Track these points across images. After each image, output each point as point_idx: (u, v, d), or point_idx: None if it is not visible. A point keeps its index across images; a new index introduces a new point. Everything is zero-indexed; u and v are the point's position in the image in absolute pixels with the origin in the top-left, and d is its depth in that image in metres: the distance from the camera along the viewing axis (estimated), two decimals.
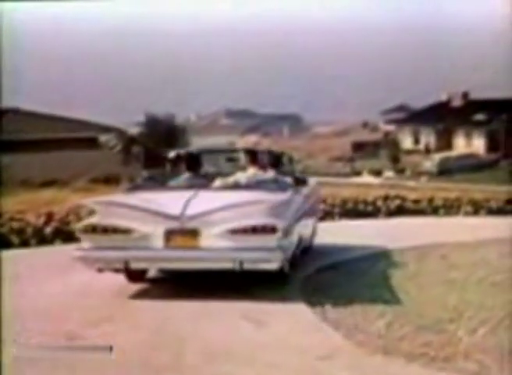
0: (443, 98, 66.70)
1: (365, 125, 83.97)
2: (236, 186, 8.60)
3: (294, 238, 8.31)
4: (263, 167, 9.17)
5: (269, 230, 7.55)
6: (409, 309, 7.21)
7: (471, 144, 58.86)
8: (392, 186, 23.65)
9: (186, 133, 39.93)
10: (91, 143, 34.85)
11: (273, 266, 7.66)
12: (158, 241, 7.67)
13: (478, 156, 54.57)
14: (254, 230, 7.56)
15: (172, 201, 7.96)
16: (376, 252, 10.46)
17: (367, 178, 33.32)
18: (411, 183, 27.61)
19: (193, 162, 9.56)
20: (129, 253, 7.69)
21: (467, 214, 15.52)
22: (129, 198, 8.29)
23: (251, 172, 9.05)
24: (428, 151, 60.33)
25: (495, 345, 6.11)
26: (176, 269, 8.19)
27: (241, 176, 8.92)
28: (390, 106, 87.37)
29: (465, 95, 65.30)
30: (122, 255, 7.70)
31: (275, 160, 9.63)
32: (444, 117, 61.21)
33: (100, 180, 25.81)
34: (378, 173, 49.17)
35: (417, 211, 15.53)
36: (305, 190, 9.70)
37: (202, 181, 8.85)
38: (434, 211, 15.65)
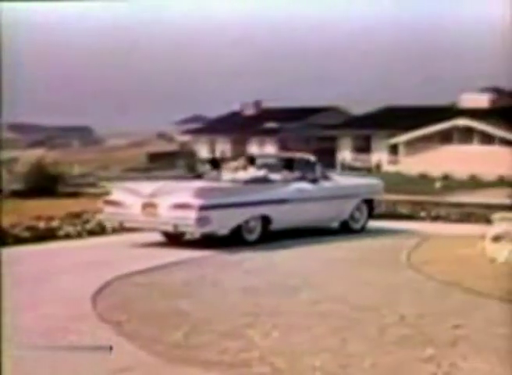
0: (236, 107, 68.49)
1: (161, 136, 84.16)
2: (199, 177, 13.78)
3: (229, 213, 11.88)
4: (259, 168, 13.28)
5: (188, 206, 11.56)
6: (208, 317, 7.26)
7: (264, 151, 60.87)
8: None
9: None
10: None
11: (195, 231, 12.08)
12: (138, 210, 12.09)
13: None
14: (181, 205, 11.63)
15: (149, 186, 12.54)
16: (175, 262, 10.48)
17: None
18: None
19: (215, 163, 14.13)
20: (122, 216, 12.31)
21: None
22: (129, 184, 13.31)
23: (250, 171, 13.12)
24: (223, 159, 61.52)
25: (287, 348, 6.30)
26: (145, 227, 12.34)
27: (242, 174, 13.04)
28: (186, 117, 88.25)
29: (257, 104, 67.44)
30: (119, 217, 12.38)
31: (288, 163, 13.64)
32: (238, 126, 62.85)
33: None
34: None
35: None
36: (327, 183, 13.69)
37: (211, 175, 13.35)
38: None
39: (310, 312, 7.51)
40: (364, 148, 52.79)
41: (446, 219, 17.15)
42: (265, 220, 12.49)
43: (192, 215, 11.51)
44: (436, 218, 17.09)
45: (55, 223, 13.71)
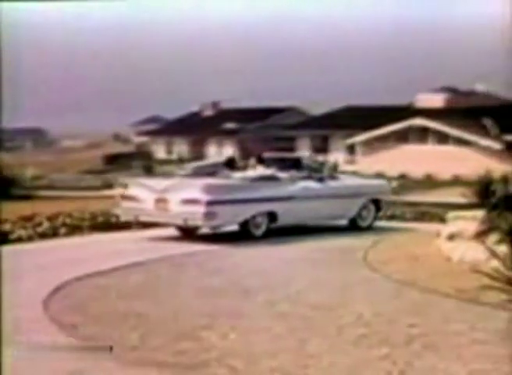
0: (195, 108, 68.29)
1: (117, 137, 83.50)
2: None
3: (236, 209, 12.77)
4: (268, 166, 14.28)
5: (196, 201, 12.47)
6: (166, 319, 7.23)
7: (222, 152, 60.87)
8: None
9: None
10: None
11: (203, 225, 12.86)
12: (151, 205, 12.97)
13: None
14: (190, 200, 12.55)
15: (162, 182, 13.54)
16: (130, 264, 10.41)
17: (120, 190, 33.10)
18: None
19: (231, 162, 14.83)
20: (137, 211, 13.19)
21: None
22: (144, 180, 14.76)
23: (259, 170, 14.19)
24: (181, 160, 61.39)
25: (245, 349, 6.31)
26: (158, 221, 13.25)
27: (250, 172, 14.05)
28: (142, 118, 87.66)
29: (216, 105, 67.35)
30: (134, 211, 13.24)
31: (296, 163, 14.51)
32: (196, 127, 62.69)
33: None
34: None
35: None
36: (333, 183, 14.44)
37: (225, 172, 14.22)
38: None
39: (268, 313, 7.53)
40: (322, 148, 53.07)
41: (401, 218, 17.37)
42: (272, 216, 13.28)
43: (200, 209, 12.43)
44: (392, 217, 17.27)
45: (7, 227, 13.53)
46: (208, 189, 12.66)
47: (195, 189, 12.67)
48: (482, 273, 8.24)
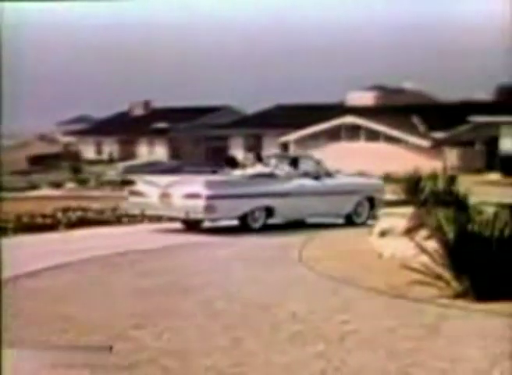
0: (125, 107, 67.65)
1: (42, 137, 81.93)
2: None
3: (235, 203, 13.81)
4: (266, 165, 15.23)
5: (197, 195, 13.56)
6: (97, 320, 7.18)
7: (153, 151, 60.48)
8: (75, 197, 23.41)
9: None
10: None
11: (204, 218, 13.95)
12: (156, 199, 14.09)
13: (162, 163, 56.16)
14: (192, 195, 13.64)
15: (166, 178, 14.61)
16: (59, 265, 10.30)
17: (46, 191, 32.55)
18: (96, 193, 27.58)
19: (231, 160, 16.13)
20: (143, 205, 14.35)
21: (151, 221, 15.89)
22: (149, 177, 15.12)
23: (258, 167, 15.07)
24: (111, 160, 60.71)
25: (180, 349, 6.32)
26: (162, 215, 14.56)
27: (250, 170, 14.95)
28: (70, 117, 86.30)
29: (147, 104, 66.86)
30: (141, 206, 14.40)
31: (293, 161, 15.38)
32: (127, 127, 62.12)
33: None
34: (58, 185, 48.35)
35: (101, 221, 15.58)
36: (329, 180, 15.32)
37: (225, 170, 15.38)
38: (118, 220, 15.83)
39: (202, 312, 7.55)
40: (255, 146, 53.29)
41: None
42: (269, 211, 14.29)
43: (201, 203, 13.54)
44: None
45: None
46: (209, 184, 13.79)
47: (197, 184, 13.83)
48: (412, 268, 8.44)
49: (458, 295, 7.91)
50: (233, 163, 15.73)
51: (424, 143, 42.03)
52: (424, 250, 8.75)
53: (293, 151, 47.85)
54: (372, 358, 6.00)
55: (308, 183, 14.96)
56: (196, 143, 59.08)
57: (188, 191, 13.76)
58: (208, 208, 13.54)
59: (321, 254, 11.28)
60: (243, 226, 14.09)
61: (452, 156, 41.06)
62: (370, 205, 15.94)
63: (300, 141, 47.10)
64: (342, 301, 8.11)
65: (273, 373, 5.73)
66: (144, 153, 61.77)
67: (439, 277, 8.14)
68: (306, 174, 15.02)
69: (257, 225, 14.18)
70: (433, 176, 17.14)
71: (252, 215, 14.10)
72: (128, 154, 61.59)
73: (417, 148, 41.84)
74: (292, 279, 9.44)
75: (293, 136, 47.57)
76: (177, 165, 56.13)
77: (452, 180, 16.29)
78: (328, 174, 15.64)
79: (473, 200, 13.39)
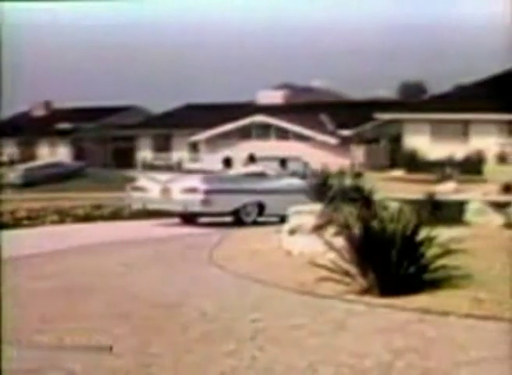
0: (25, 108, 66.18)
1: None
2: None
3: (229, 198, 15.27)
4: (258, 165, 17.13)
5: (195, 189, 15.05)
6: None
7: (56, 153, 59.39)
8: None
9: None
10: None
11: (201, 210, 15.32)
12: (157, 194, 15.34)
13: (64, 165, 55.21)
14: (190, 189, 15.11)
15: (166, 176, 16.07)
16: None
17: None
18: None
19: (227, 161, 17.52)
20: (145, 199, 15.47)
21: (53, 223, 15.69)
22: (151, 174, 17.15)
23: (251, 167, 16.92)
24: (12, 162, 59.32)
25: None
26: (163, 209, 15.54)
27: (243, 169, 16.77)
28: None
29: (48, 104, 65.57)
30: (142, 199, 15.48)
31: (282, 162, 17.60)
32: (26, 127, 60.80)
33: None
34: None
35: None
36: (314, 180, 16.80)
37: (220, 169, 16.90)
38: (17, 222, 15.57)
39: (109, 314, 7.53)
40: (164, 146, 53.03)
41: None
42: (260, 206, 15.80)
43: (198, 197, 15.02)
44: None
45: None
46: (206, 180, 15.53)
47: (195, 180, 15.47)
48: (320, 265, 8.64)
49: (364, 291, 8.13)
50: (228, 163, 17.40)
51: (332, 140, 42.79)
52: (332, 247, 8.95)
53: (203, 151, 47.88)
54: (283, 355, 6.13)
55: (296, 182, 16.64)
56: (101, 144, 58.34)
57: (187, 185, 15.31)
58: (205, 202, 15.01)
59: (232, 253, 11.38)
60: (237, 221, 15.55)
61: (359, 153, 41.97)
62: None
63: (211, 141, 47.14)
64: (252, 299, 8.23)
65: (183, 373, 5.79)
66: (45, 154, 60.61)
67: (346, 273, 8.35)
68: (294, 174, 17.02)
69: (249, 219, 15.60)
70: (341, 173, 17.59)
71: (245, 209, 15.52)
72: (28, 155, 60.30)
73: (326, 146, 42.56)
74: (202, 277, 9.52)
75: (203, 135, 47.57)
76: (79, 166, 55.45)
77: (358, 176, 16.74)
78: (315, 174, 17.69)
79: (378, 196, 13.76)
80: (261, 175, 16.55)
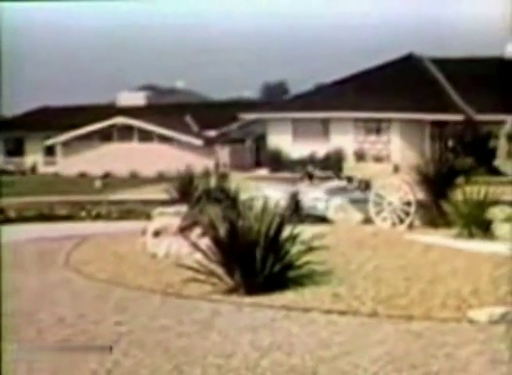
0: None
1: None
2: None
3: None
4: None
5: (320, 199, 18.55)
6: None
7: None
8: None
9: None
10: None
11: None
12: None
13: None
14: (317, 199, 18.86)
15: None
16: None
17: None
18: None
19: (309, 175, 22.83)
20: None
21: None
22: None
23: (335, 182, 20.78)
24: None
25: None
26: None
27: (330, 183, 20.72)
28: None
29: None
30: None
31: (349, 179, 21.26)
32: None
33: None
34: None
35: None
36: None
37: None
38: None
39: None
40: (16, 150, 51.47)
41: (107, 217, 17.48)
42: None
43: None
44: (97, 217, 17.32)
45: None
46: (328, 191, 18.78)
47: (319, 191, 18.94)
48: (186, 266, 8.59)
49: (230, 290, 8.15)
50: (311, 177, 21.26)
51: (197, 141, 42.83)
52: (197, 248, 8.93)
53: (60, 153, 46.74)
54: (147, 357, 6.03)
55: (359, 194, 19.67)
56: None
57: (315, 195, 18.31)
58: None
59: (91, 256, 11.14)
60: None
61: (223, 154, 42.24)
62: None
63: (68, 143, 46.08)
64: (114, 302, 8.07)
65: None
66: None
67: (212, 274, 8.35)
68: (359, 187, 20.21)
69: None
70: (205, 175, 17.56)
71: None
72: None
73: (190, 147, 42.53)
74: (57, 283, 9.26)
75: (60, 138, 46.44)
76: None
77: (223, 177, 16.77)
78: (368, 186, 20.27)
79: (244, 196, 13.86)
80: (343, 188, 20.17)
